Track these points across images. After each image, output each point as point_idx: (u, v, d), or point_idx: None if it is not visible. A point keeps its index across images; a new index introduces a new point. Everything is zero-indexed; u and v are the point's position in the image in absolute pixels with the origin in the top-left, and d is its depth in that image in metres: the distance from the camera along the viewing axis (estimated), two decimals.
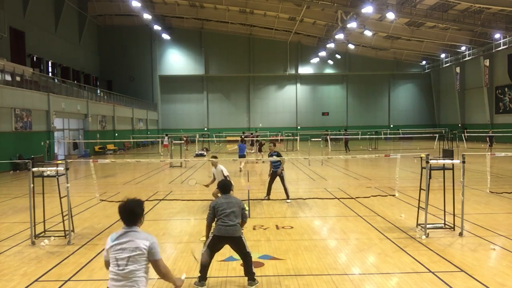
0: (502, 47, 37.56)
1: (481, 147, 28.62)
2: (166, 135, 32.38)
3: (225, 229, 5.34)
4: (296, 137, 32.86)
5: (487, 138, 27.38)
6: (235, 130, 47.56)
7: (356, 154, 17.17)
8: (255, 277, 5.45)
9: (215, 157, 10.25)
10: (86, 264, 6.37)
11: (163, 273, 3.51)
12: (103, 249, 3.49)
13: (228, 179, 10.01)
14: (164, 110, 52.51)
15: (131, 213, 3.40)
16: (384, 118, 53.87)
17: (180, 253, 6.93)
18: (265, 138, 37.91)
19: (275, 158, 11.12)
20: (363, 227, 8.39)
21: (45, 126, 25.09)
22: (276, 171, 11.32)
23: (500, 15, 35.37)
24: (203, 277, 5.43)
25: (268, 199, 11.36)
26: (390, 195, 11.56)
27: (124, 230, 3.38)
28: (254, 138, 31.51)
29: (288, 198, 11.15)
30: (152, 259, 3.39)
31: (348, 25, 36.34)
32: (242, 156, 18.95)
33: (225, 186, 5.83)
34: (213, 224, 5.54)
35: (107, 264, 3.42)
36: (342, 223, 8.85)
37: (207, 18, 47.22)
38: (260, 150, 25.00)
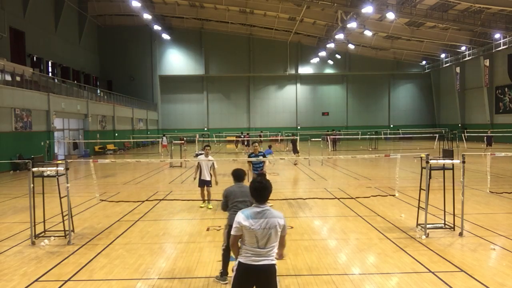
0: (502, 47, 37.57)
1: (481, 147, 28.59)
2: (164, 135, 32.41)
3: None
4: (296, 137, 32.80)
5: (485, 138, 27.40)
6: (235, 130, 47.56)
7: (356, 154, 17.17)
8: None
9: (208, 146, 10.80)
10: (86, 264, 6.37)
11: (285, 245, 3.89)
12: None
13: (213, 171, 10.36)
14: (164, 110, 52.51)
15: (266, 190, 3.70)
16: (384, 118, 53.88)
17: (180, 253, 6.93)
18: (265, 138, 37.96)
19: (260, 158, 10.29)
20: (363, 227, 8.39)
21: (45, 126, 25.09)
22: (260, 173, 10.33)
23: (500, 15, 35.37)
24: (225, 272, 5.52)
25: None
26: (390, 195, 11.55)
27: (259, 208, 3.66)
28: (251, 138, 31.57)
29: None
30: (282, 234, 3.72)
31: (348, 25, 36.34)
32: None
33: (238, 175, 5.86)
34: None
35: (236, 239, 3.68)
36: (342, 223, 8.85)
37: (207, 18, 47.22)
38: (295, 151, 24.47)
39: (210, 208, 10.27)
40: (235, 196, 5.53)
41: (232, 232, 3.68)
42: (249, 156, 10.62)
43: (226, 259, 5.55)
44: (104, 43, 48.82)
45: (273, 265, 3.66)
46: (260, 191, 3.68)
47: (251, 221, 3.58)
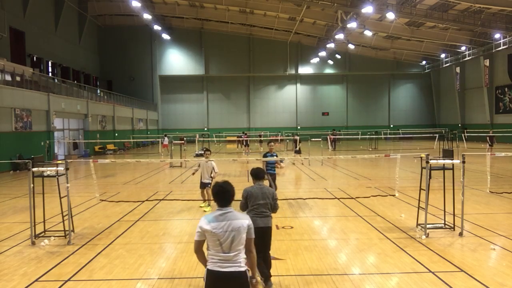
0: (502, 47, 37.57)
1: (481, 147, 28.61)
2: (165, 135, 32.40)
3: (261, 220, 5.28)
4: (296, 137, 32.81)
5: (488, 138, 27.37)
6: (235, 130, 47.56)
7: (356, 154, 17.17)
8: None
9: (208, 150, 10.85)
10: (86, 264, 6.38)
11: (252, 251, 3.63)
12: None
13: (214, 174, 10.42)
14: (164, 110, 52.51)
15: (228, 193, 3.59)
16: (384, 118, 53.87)
17: (180, 253, 6.93)
18: (265, 138, 37.88)
19: (274, 158, 10.53)
20: (363, 227, 8.39)
21: (45, 126, 25.09)
22: (270, 174, 10.45)
23: (500, 15, 35.37)
24: (266, 277, 5.30)
25: None
26: (390, 195, 11.55)
27: (221, 211, 3.54)
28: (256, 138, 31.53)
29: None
30: (248, 237, 3.56)
31: (348, 25, 36.34)
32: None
33: (257, 173, 5.65)
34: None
35: (200, 245, 3.54)
36: (342, 223, 8.85)
37: (207, 18, 47.21)
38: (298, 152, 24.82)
39: (205, 211, 10.11)
40: (256, 198, 5.35)
41: (195, 238, 3.54)
42: (264, 156, 10.68)
43: (258, 266, 5.29)
44: (104, 43, 48.82)
45: (243, 272, 3.46)
46: (221, 194, 3.57)
47: (213, 224, 3.45)
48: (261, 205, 5.34)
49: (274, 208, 5.54)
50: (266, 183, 5.83)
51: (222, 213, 3.52)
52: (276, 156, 10.92)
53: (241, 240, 3.48)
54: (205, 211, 10.06)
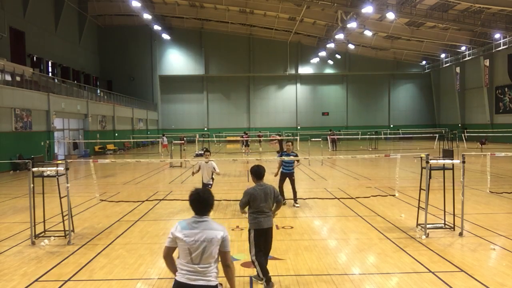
0: (502, 47, 37.57)
1: (481, 147, 28.60)
2: (163, 135, 32.38)
3: (265, 221, 5.30)
4: (296, 137, 32.87)
5: (480, 140, 27.52)
6: (235, 130, 47.55)
7: (356, 154, 17.17)
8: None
9: (208, 151, 10.78)
10: (86, 264, 6.37)
11: (229, 265, 3.35)
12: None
13: (214, 175, 10.39)
14: (164, 110, 52.52)
15: (206, 202, 3.36)
16: (384, 118, 53.88)
17: None
18: (265, 138, 37.94)
19: (291, 158, 10.31)
20: (363, 227, 8.39)
21: (45, 126, 25.09)
22: (287, 173, 10.57)
23: (500, 15, 35.38)
24: (268, 278, 5.28)
25: (285, 203, 10.52)
26: (390, 195, 11.56)
27: (197, 219, 3.32)
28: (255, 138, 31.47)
29: (296, 202, 10.51)
30: (223, 250, 3.30)
31: (348, 25, 36.35)
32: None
33: (258, 172, 5.54)
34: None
35: (169, 251, 3.33)
36: (342, 223, 8.84)
37: (207, 18, 47.23)
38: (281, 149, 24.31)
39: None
40: (260, 200, 5.30)
41: (166, 243, 3.33)
42: (281, 155, 10.62)
43: (261, 265, 5.27)
44: (104, 43, 48.83)
45: (212, 287, 3.21)
46: (198, 203, 3.34)
47: (185, 232, 3.23)
48: (264, 206, 5.33)
49: (278, 204, 5.54)
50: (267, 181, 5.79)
51: (196, 221, 3.29)
52: (296, 155, 10.54)
53: (212, 252, 3.23)
54: None
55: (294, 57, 52.07)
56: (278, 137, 31.77)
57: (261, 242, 5.38)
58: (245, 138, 31.25)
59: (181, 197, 11.90)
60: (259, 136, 36.33)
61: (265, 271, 5.27)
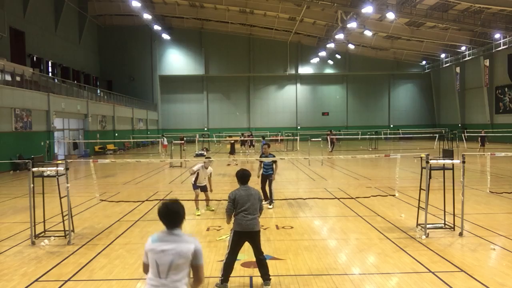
0: (502, 47, 37.57)
1: (481, 147, 28.58)
2: (163, 135, 32.37)
3: (246, 224, 5.27)
4: (296, 137, 32.88)
5: (479, 139, 27.38)
6: (235, 130, 47.51)
7: (356, 154, 17.17)
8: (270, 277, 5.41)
9: (210, 158, 10.61)
10: (86, 264, 6.38)
11: (202, 280, 3.23)
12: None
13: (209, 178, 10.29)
14: (164, 110, 52.52)
15: (176, 215, 3.24)
16: (384, 118, 53.88)
17: None
18: (257, 138, 37.77)
19: (270, 159, 10.36)
20: (363, 227, 8.39)
21: (45, 126, 25.09)
22: (265, 175, 10.57)
23: (500, 15, 35.37)
24: (225, 279, 5.33)
25: (273, 205, 10.60)
26: (390, 195, 11.56)
27: (168, 232, 3.22)
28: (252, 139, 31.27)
29: (270, 204, 10.45)
30: (195, 264, 3.16)
31: (348, 25, 36.35)
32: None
33: (244, 176, 5.59)
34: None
35: (145, 268, 3.22)
36: (342, 223, 8.84)
37: (207, 18, 47.22)
38: (232, 152, 23.39)
39: (213, 210, 10.21)
40: (244, 202, 5.32)
41: (143, 259, 3.26)
42: (260, 157, 10.68)
43: (227, 267, 5.34)
44: (104, 43, 48.82)
45: None
46: (167, 216, 3.24)
47: (155, 244, 3.13)
48: (249, 208, 5.32)
49: (260, 209, 5.54)
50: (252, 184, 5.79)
51: (167, 235, 3.20)
52: (274, 156, 10.55)
53: (181, 266, 3.08)
54: (198, 214, 9.87)
55: (294, 57, 52.07)
56: (231, 139, 30.40)
57: (240, 245, 5.39)
58: (246, 138, 31.10)
59: (181, 197, 11.89)
60: (250, 135, 35.48)
61: (226, 273, 5.30)
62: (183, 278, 3.11)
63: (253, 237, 5.37)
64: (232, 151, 23.60)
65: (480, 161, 20.61)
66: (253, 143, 31.60)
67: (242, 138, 31.51)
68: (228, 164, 21.48)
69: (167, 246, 3.11)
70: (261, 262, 5.38)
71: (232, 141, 25.65)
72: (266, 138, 28.84)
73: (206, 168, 10.06)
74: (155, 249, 3.12)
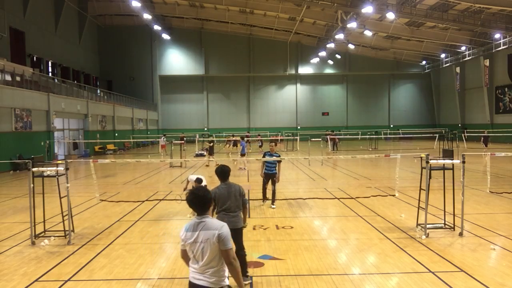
0: (502, 47, 37.56)
1: (481, 147, 28.60)
2: (164, 135, 32.28)
3: (228, 221, 5.18)
4: (296, 137, 32.88)
5: (482, 139, 27.33)
6: (235, 130, 47.46)
7: (356, 154, 17.17)
8: (247, 274, 5.48)
9: (200, 181, 9.50)
10: (86, 264, 6.38)
11: (231, 263, 3.34)
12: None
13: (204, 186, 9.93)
14: (164, 110, 52.52)
15: (203, 199, 3.39)
16: (384, 118, 53.88)
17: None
18: (265, 138, 37.84)
19: (274, 158, 10.33)
20: (363, 227, 8.39)
21: (45, 126, 25.09)
22: (269, 174, 10.58)
23: (500, 15, 35.37)
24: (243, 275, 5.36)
25: (265, 202, 10.83)
26: (390, 195, 11.56)
27: (197, 219, 3.38)
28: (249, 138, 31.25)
29: (273, 203, 10.51)
30: (222, 249, 3.29)
31: (348, 25, 36.35)
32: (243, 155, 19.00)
33: (223, 172, 5.57)
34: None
35: (183, 254, 3.46)
36: (342, 223, 8.84)
37: (207, 18, 47.22)
38: (211, 153, 22.79)
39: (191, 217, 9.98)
40: (225, 199, 5.31)
41: (179, 246, 3.50)
42: (264, 155, 10.55)
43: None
44: (104, 43, 48.82)
45: None
46: (195, 202, 3.38)
47: (188, 234, 3.32)
48: (230, 205, 5.30)
49: (243, 204, 5.50)
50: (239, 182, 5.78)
51: (196, 222, 3.35)
52: (279, 156, 10.49)
53: (211, 252, 3.25)
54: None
55: (294, 57, 52.07)
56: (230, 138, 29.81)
57: None
58: (234, 139, 30.84)
59: (181, 197, 11.90)
60: (246, 137, 34.85)
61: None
62: (217, 264, 3.30)
63: (236, 234, 5.33)
64: (211, 152, 23.27)
65: (482, 161, 20.60)
66: (262, 143, 31.85)
67: (230, 139, 30.93)
68: (240, 168, 20.78)
69: (197, 233, 3.31)
70: (241, 258, 5.36)
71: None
72: (272, 138, 28.80)
73: (201, 182, 9.61)
74: (188, 238, 3.33)
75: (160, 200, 11.73)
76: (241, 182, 15.23)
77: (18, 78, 23.31)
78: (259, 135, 34.37)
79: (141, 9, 37.49)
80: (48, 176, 7.65)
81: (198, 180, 9.88)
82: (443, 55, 47.66)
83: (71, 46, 40.49)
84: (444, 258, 6.37)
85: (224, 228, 3.33)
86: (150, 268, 6.21)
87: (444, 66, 48.90)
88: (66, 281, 5.71)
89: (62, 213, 7.77)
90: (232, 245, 3.38)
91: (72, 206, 8.74)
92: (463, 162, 7.49)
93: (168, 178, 17.14)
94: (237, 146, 24.56)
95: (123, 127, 39.90)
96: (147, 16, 39.44)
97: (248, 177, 17.07)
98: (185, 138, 24.54)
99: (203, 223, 3.34)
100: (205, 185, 9.97)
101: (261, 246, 7.18)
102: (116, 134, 37.51)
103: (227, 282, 3.35)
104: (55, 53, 36.24)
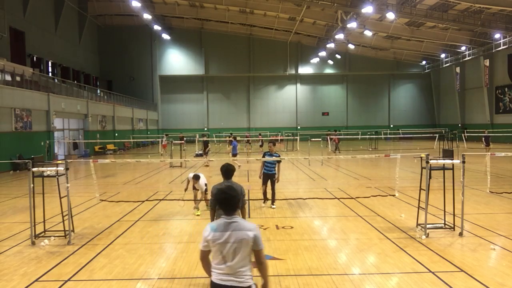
0: (502, 47, 37.58)
1: (481, 147, 28.58)
2: (166, 135, 32.31)
3: None
4: (296, 137, 32.87)
5: (483, 139, 27.29)
6: (235, 130, 47.46)
7: (356, 154, 17.17)
8: None
9: (198, 177, 9.94)
10: (86, 264, 6.38)
11: (263, 263, 3.37)
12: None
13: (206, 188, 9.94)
14: (164, 110, 52.53)
15: (233, 199, 3.35)
16: (384, 118, 53.89)
17: (180, 253, 6.93)
18: (265, 138, 37.80)
19: (274, 158, 10.24)
20: (363, 227, 8.39)
21: (45, 126, 25.09)
22: (268, 174, 10.49)
23: (500, 15, 35.38)
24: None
25: (266, 203, 10.76)
26: (390, 195, 11.55)
27: (226, 219, 3.32)
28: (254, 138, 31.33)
29: (273, 203, 10.50)
30: (256, 249, 3.29)
31: (348, 25, 36.35)
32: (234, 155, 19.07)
33: (228, 171, 5.61)
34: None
35: (203, 254, 3.39)
36: (342, 223, 8.84)
37: (207, 18, 47.23)
38: (206, 153, 22.97)
39: (198, 214, 9.84)
40: None
41: (200, 247, 3.38)
42: (263, 155, 10.48)
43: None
44: (104, 43, 48.83)
45: None
46: (225, 201, 3.35)
47: (216, 234, 3.25)
48: None
49: (242, 205, 5.47)
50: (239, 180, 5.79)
51: (226, 222, 3.30)
52: (279, 156, 10.43)
53: (244, 253, 3.24)
54: (198, 214, 9.80)
55: (294, 57, 52.07)
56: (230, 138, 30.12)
57: None
58: (260, 138, 31.40)
59: (181, 197, 11.89)
60: (246, 137, 35.19)
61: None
62: (247, 264, 3.28)
63: None
64: (205, 151, 23.32)
65: (482, 161, 20.59)
66: (263, 143, 31.93)
67: (228, 139, 31.13)
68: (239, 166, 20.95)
69: (228, 234, 3.24)
70: None
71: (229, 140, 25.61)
72: (272, 139, 28.76)
73: (199, 183, 9.79)
74: (216, 239, 3.25)
75: (160, 200, 11.72)
76: (241, 182, 15.22)
77: (18, 78, 23.32)
78: (260, 134, 34.49)
79: (141, 9, 37.50)
80: (48, 176, 7.65)
81: (196, 177, 9.95)
82: (443, 55, 47.67)
83: (71, 46, 40.49)
84: (444, 258, 6.37)
85: (257, 229, 3.34)
86: (150, 268, 6.21)
87: (444, 66, 48.91)
88: (66, 281, 5.71)
89: (62, 213, 7.77)
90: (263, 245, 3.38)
91: (72, 206, 8.74)
92: (463, 162, 7.48)
93: (168, 178, 17.14)
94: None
95: (123, 127, 39.90)
96: (147, 16, 39.45)
97: (248, 177, 17.07)
98: (185, 138, 24.54)
99: (235, 223, 3.29)
100: (206, 184, 10.09)
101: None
102: (116, 134, 37.51)
103: (252, 281, 3.35)
104: (55, 53, 36.25)
